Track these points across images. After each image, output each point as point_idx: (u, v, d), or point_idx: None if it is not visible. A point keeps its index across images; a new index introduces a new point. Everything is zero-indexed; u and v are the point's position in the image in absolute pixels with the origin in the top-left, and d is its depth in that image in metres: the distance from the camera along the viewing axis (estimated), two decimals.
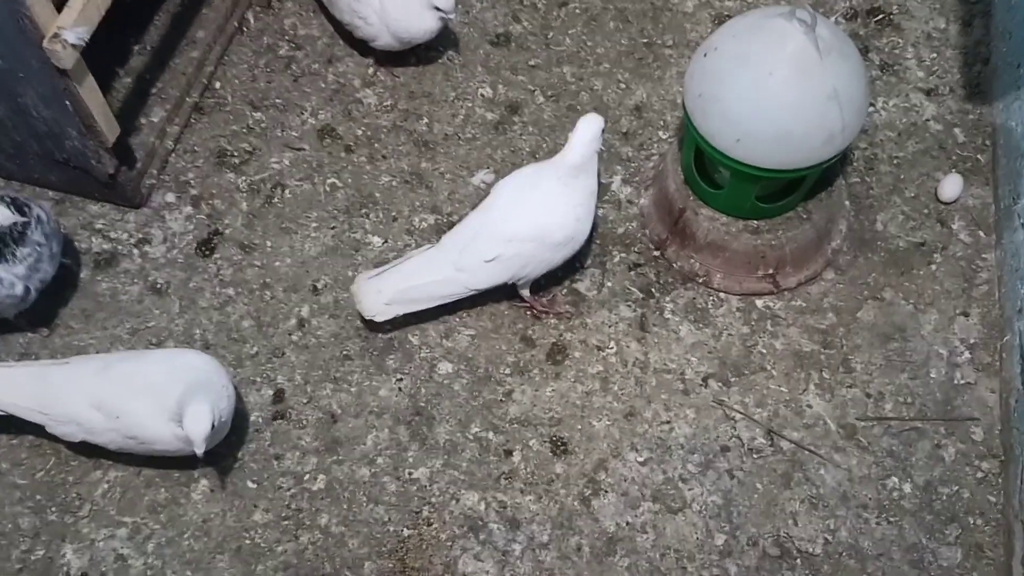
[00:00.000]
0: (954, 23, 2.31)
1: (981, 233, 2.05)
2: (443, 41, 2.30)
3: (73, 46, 1.61)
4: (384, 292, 1.83)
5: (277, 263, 2.04)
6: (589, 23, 2.33)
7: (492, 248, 1.80)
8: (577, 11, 2.35)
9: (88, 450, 1.77)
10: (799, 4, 1.62)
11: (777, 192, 1.88)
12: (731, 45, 1.68)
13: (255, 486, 1.81)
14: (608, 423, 1.87)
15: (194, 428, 1.55)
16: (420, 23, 2.09)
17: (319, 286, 2.01)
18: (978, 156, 2.14)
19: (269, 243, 2.06)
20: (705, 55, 1.72)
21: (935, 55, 2.27)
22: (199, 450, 1.57)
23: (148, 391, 1.62)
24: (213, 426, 1.56)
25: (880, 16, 2.32)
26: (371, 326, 1.92)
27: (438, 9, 2.06)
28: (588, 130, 1.78)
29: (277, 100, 2.23)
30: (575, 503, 1.79)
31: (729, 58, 1.68)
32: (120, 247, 2.05)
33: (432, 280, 1.83)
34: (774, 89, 1.63)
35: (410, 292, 1.83)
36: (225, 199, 2.11)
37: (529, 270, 1.85)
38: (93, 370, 1.68)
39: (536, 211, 1.82)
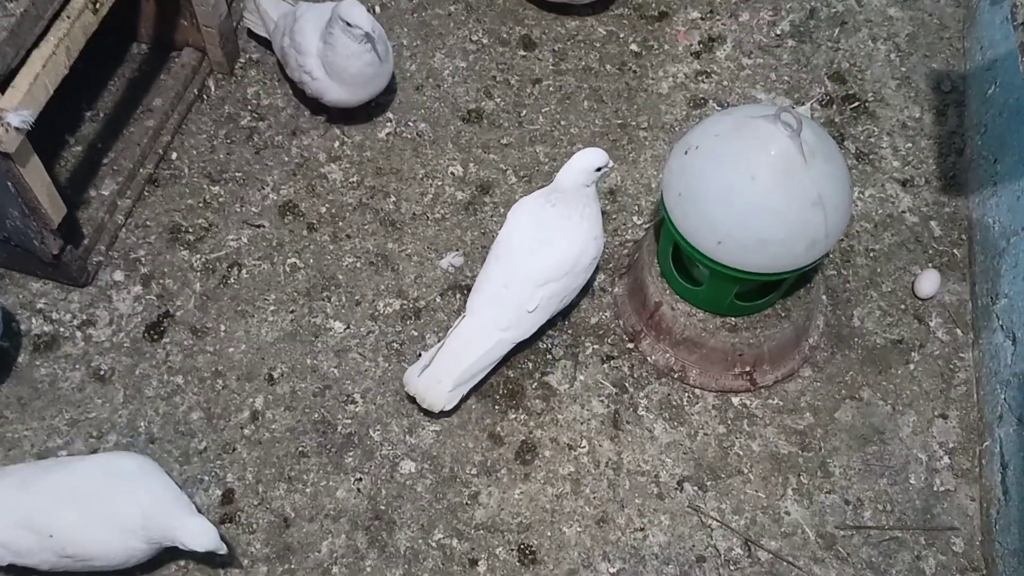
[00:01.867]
0: (928, 112, 2.30)
1: (958, 331, 2.01)
2: (413, 116, 2.23)
3: (17, 129, 1.50)
4: (444, 381, 1.78)
5: (231, 349, 1.93)
6: (563, 102, 2.28)
7: (530, 297, 1.78)
8: (551, 89, 2.29)
9: (13, 572, 1.62)
10: (779, 98, 1.56)
11: (756, 290, 1.82)
12: (713, 145, 1.63)
13: None
14: (579, 529, 1.78)
15: (205, 540, 1.51)
16: (352, 53, 1.95)
17: (275, 375, 1.90)
18: (954, 251, 2.11)
19: (223, 327, 1.95)
20: (686, 152, 1.67)
21: (910, 145, 2.25)
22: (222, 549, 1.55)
23: (86, 504, 1.50)
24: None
25: (855, 103, 2.30)
26: (432, 414, 1.85)
27: (348, 24, 1.90)
28: (580, 160, 1.77)
29: (237, 173, 2.13)
30: None
31: (710, 158, 1.62)
32: (62, 329, 1.92)
33: (484, 351, 1.79)
34: (757, 193, 1.58)
35: (469, 371, 1.79)
36: (177, 279, 2.00)
37: (566, 301, 1.86)
38: (15, 484, 1.54)
39: (558, 245, 1.80)
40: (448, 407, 1.81)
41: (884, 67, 2.35)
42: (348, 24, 1.91)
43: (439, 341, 1.87)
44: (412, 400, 1.84)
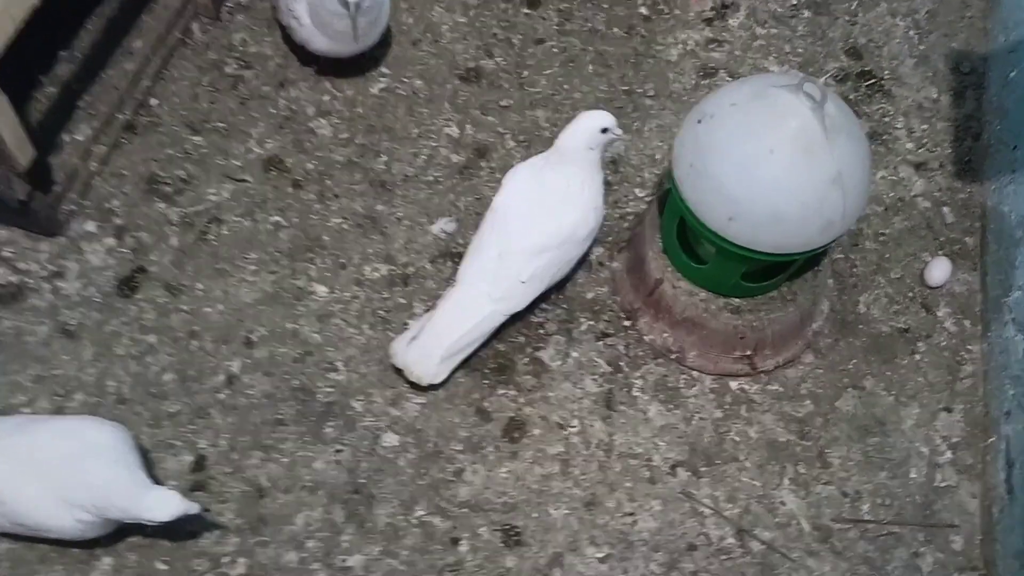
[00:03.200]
0: (946, 94, 2.21)
1: (967, 322, 1.94)
2: (408, 72, 2.12)
3: None
4: (433, 353, 1.70)
5: (207, 309, 1.83)
6: (566, 64, 2.17)
7: (524, 267, 1.70)
8: (555, 50, 2.18)
9: None
10: (793, 70, 1.47)
11: (763, 271, 1.74)
12: (729, 114, 1.53)
13: (166, 567, 1.60)
14: (567, 512, 1.71)
15: (167, 509, 1.42)
16: (336, 12, 1.84)
17: (254, 338, 1.81)
18: (966, 238, 2.03)
19: (200, 285, 1.85)
20: (699, 122, 1.57)
21: (926, 127, 2.16)
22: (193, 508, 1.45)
23: (41, 473, 1.40)
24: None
25: (871, 81, 2.21)
26: (422, 387, 1.77)
27: None
28: (583, 121, 1.68)
29: (220, 124, 2.02)
30: None
31: (726, 129, 1.53)
32: (29, 280, 1.81)
33: (475, 322, 1.70)
34: (774, 168, 1.49)
35: (459, 342, 1.70)
36: (153, 232, 1.89)
37: (562, 272, 1.78)
38: None
39: (555, 214, 1.71)
40: (436, 380, 1.73)
41: (902, 44, 2.26)
42: None
43: (428, 310, 1.79)
44: (399, 372, 1.75)
